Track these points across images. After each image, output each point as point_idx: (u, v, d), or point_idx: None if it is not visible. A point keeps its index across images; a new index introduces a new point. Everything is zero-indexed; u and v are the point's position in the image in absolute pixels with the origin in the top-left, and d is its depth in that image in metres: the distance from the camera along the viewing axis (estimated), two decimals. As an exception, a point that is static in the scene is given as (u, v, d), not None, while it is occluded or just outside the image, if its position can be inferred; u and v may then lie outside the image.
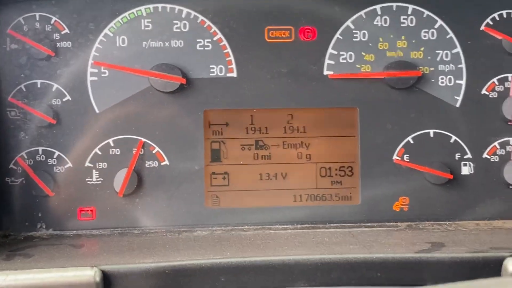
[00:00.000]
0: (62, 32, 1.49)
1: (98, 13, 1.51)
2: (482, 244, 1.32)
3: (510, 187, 1.56)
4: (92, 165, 1.51)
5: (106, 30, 1.50)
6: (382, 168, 1.56)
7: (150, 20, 1.52)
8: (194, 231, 1.50)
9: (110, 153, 1.51)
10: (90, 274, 1.12)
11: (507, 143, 1.57)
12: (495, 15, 1.56)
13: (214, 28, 1.52)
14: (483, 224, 1.54)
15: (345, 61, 1.55)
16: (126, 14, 1.50)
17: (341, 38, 1.55)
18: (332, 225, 1.54)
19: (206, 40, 1.52)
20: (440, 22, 1.55)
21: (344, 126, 1.56)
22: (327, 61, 1.54)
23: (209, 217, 1.54)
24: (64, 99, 1.50)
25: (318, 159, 1.56)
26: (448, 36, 1.56)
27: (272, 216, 1.55)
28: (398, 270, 1.16)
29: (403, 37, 1.55)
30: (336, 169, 1.56)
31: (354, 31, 1.55)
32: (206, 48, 1.53)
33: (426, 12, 1.55)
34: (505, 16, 1.55)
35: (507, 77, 1.56)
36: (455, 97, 1.56)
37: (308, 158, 1.56)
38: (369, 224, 1.54)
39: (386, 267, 1.18)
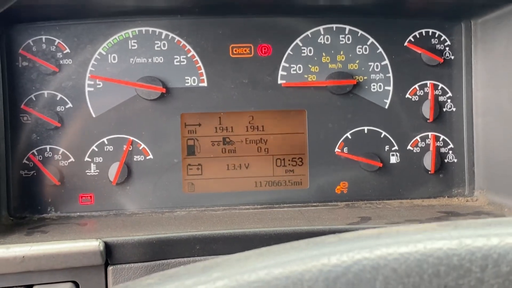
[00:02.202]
0: (64, 52, 1.62)
1: (94, 36, 1.62)
2: (400, 217, 1.49)
3: (429, 172, 1.70)
4: (90, 160, 1.63)
5: (100, 50, 1.62)
6: (326, 158, 1.69)
7: (136, 41, 1.64)
8: (174, 211, 1.62)
9: (105, 149, 1.63)
10: (96, 244, 1.28)
11: (426, 137, 1.71)
12: (416, 33, 1.70)
13: (188, 46, 1.65)
14: (406, 202, 1.69)
15: (295, 72, 1.68)
16: (116, 36, 1.63)
17: (292, 53, 1.68)
18: (285, 205, 1.67)
19: (181, 57, 1.65)
20: (371, 39, 1.70)
21: (295, 125, 1.69)
22: (280, 72, 1.68)
23: (186, 200, 1.66)
24: (67, 106, 1.62)
25: (274, 152, 1.68)
26: (378, 51, 1.70)
27: (237, 199, 1.67)
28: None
29: (341, 52, 1.69)
30: (289, 160, 1.69)
31: (302, 48, 1.68)
32: (182, 63, 1.65)
33: (360, 32, 1.69)
34: (424, 34, 1.70)
35: (426, 83, 1.70)
36: (384, 100, 1.70)
37: (266, 151, 1.68)
38: (315, 204, 1.67)
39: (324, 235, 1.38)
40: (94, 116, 1.65)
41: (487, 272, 0.60)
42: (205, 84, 1.68)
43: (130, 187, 1.66)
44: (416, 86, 1.73)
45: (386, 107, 1.72)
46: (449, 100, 1.73)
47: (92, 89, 1.65)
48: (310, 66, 1.70)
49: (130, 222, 1.53)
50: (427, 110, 1.71)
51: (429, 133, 1.73)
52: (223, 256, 0.65)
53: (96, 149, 1.65)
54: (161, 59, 1.66)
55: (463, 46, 1.72)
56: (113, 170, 1.64)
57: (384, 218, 1.50)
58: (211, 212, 1.62)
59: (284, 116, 1.70)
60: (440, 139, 1.73)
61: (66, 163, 1.64)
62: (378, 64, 1.71)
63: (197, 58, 1.67)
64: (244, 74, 1.68)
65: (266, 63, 1.69)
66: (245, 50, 1.68)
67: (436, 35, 1.72)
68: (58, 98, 1.63)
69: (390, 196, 1.72)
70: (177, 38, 1.66)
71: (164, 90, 1.64)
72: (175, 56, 1.67)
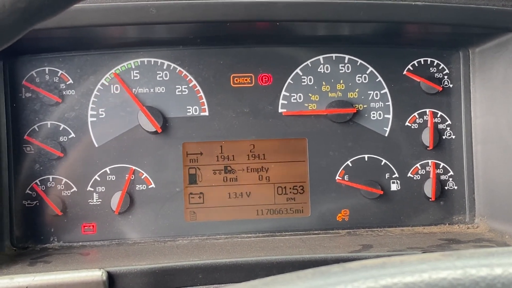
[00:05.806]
0: (67, 83, 1.63)
1: (96, 67, 1.64)
2: (401, 245, 1.49)
3: (429, 200, 1.72)
4: (92, 189, 1.64)
5: (102, 80, 1.64)
6: (327, 186, 1.70)
7: (138, 71, 1.65)
8: (176, 240, 1.63)
9: (107, 179, 1.65)
10: (98, 274, 1.30)
11: (426, 164, 1.72)
12: (415, 62, 1.72)
13: (189, 76, 1.66)
14: (407, 230, 1.69)
15: (295, 101, 1.69)
16: (118, 67, 1.64)
17: (292, 82, 1.70)
18: (287, 233, 1.67)
19: (183, 87, 1.66)
20: (370, 68, 1.71)
21: (296, 153, 1.70)
22: (281, 101, 1.69)
23: (188, 229, 1.66)
24: (69, 136, 1.64)
25: (276, 180, 1.69)
26: (377, 80, 1.71)
27: (239, 227, 1.68)
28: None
29: (341, 81, 1.71)
30: (290, 188, 1.69)
31: (302, 77, 1.70)
32: (183, 93, 1.66)
33: (359, 61, 1.71)
34: (422, 63, 1.72)
35: (425, 111, 1.72)
36: (384, 128, 1.72)
37: (267, 180, 1.69)
38: (316, 232, 1.67)
39: (326, 264, 1.22)
40: (96, 146, 1.66)
41: (491, 302, 0.61)
42: (206, 113, 1.69)
43: (132, 216, 1.67)
44: (416, 114, 1.74)
45: (386, 135, 1.74)
46: (448, 128, 1.75)
47: (94, 119, 1.66)
48: (310, 95, 1.72)
49: (133, 251, 1.54)
50: (426, 137, 1.72)
51: (429, 161, 1.74)
52: (226, 285, 0.64)
53: (99, 179, 1.66)
54: (162, 89, 1.68)
55: (461, 75, 1.74)
56: (116, 200, 1.65)
57: (386, 246, 1.50)
58: (213, 241, 1.63)
59: (285, 145, 1.71)
60: (440, 167, 1.74)
61: (68, 193, 1.65)
62: (378, 92, 1.73)
63: (198, 87, 1.69)
64: (245, 103, 1.70)
65: (266, 92, 1.71)
66: (246, 80, 1.70)
67: (435, 64, 1.74)
68: (61, 129, 1.65)
69: (391, 223, 1.73)
70: (179, 68, 1.68)
71: (160, 130, 1.66)
72: (177, 86, 1.68)
